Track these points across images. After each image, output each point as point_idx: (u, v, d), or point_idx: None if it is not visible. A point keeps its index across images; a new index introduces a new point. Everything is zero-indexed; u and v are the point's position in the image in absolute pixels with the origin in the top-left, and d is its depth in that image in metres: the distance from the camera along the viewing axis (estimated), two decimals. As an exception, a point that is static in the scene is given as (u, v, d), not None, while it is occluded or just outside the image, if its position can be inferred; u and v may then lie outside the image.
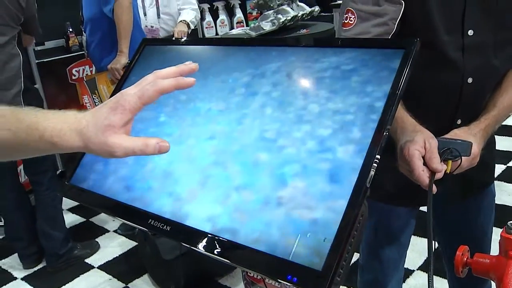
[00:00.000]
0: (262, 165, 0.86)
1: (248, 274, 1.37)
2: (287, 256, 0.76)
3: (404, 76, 0.85)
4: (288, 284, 0.77)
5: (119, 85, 1.25)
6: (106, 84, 2.76)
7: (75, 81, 3.75)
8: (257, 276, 1.35)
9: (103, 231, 3.07)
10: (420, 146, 1.00)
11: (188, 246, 0.89)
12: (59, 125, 0.65)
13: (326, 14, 3.93)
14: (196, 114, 1.00)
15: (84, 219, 3.24)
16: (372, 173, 0.78)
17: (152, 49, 1.32)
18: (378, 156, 0.78)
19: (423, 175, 0.97)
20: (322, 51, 0.96)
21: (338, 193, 0.78)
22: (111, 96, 1.26)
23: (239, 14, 4.73)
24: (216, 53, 1.20)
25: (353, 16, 1.14)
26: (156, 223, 0.93)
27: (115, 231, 3.04)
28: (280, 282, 1.30)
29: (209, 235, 0.85)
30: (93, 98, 2.74)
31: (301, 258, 0.75)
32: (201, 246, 0.86)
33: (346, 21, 1.15)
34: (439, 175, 0.98)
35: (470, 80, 1.15)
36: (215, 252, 0.85)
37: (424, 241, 0.89)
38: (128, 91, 0.68)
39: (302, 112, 0.89)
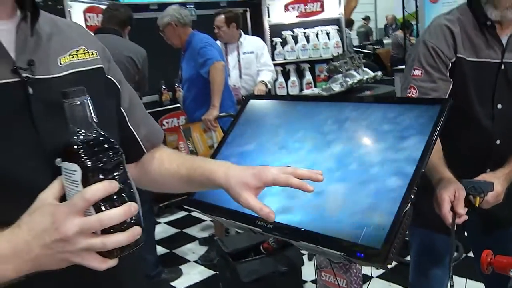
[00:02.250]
0: (341, 182, 1.26)
1: (322, 277, 1.73)
2: (357, 240, 1.14)
3: (440, 124, 1.24)
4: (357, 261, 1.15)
5: (227, 133, 1.68)
6: (199, 133, 3.27)
7: (165, 131, 4.31)
8: (334, 280, 1.70)
9: (185, 261, 3.49)
10: (451, 194, 1.34)
11: (289, 240, 1.29)
12: (216, 168, 0.98)
13: (388, 78, 4.34)
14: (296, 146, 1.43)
15: (168, 250, 3.69)
16: (412, 196, 1.16)
17: (255, 104, 1.78)
18: (416, 188, 1.16)
19: (448, 215, 1.31)
20: (380, 106, 1.37)
21: (393, 202, 1.16)
22: (219, 143, 1.69)
23: (308, 76, 5.22)
24: (304, 107, 1.63)
25: (415, 91, 1.55)
26: (262, 223, 1.34)
27: (195, 261, 3.45)
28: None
29: (303, 230, 1.24)
30: (187, 145, 3.25)
31: (366, 241, 1.13)
32: (299, 239, 1.26)
33: (409, 95, 1.56)
34: (459, 220, 1.32)
35: (498, 141, 1.52)
36: (309, 241, 1.24)
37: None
38: (271, 170, 0.92)
39: (365, 148, 1.29)
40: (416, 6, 5.37)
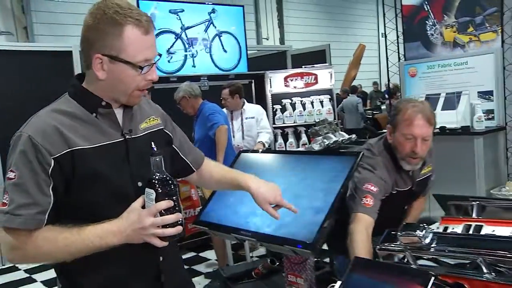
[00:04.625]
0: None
1: (288, 279, 2.41)
2: (298, 237, 1.86)
3: (354, 167, 1.97)
4: (298, 251, 1.85)
5: None
6: (206, 181, 4.02)
7: (179, 182, 5.06)
8: (296, 279, 2.38)
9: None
10: None
11: (252, 239, 2.00)
12: (247, 179, 1.66)
13: (362, 140, 5.10)
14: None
15: None
16: (332, 213, 1.87)
17: (244, 156, 2.54)
18: (336, 205, 1.89)
19: None
20: (320, 156, 2.13)
21: (321, 216, 1.88)
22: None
23: (304, 138, 5.99)
24: (280, 158, 2.39)
25: (372, 200, 2.09)
26: (243, 232, 2.06)
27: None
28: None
29: (267, 234, 1.96)
30: (198, 191, 3.98)
31: (304, 238, 1.84)
32: (264, 241, 1.97)
33: (367, 202, 2.08)
34: None
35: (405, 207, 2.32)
36: (270, 241, 1.95)
37: None
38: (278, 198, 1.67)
39: (308, 184, 2.03)
40: (400, 79, 6.23)
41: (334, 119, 5.94)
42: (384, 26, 6.48)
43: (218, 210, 2.24)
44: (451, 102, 5.46)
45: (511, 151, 5.47)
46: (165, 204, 1.25)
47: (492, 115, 5.46)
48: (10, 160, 1.28)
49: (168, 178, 1.29)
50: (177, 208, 1.29)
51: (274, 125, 5.92)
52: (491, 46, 5.55)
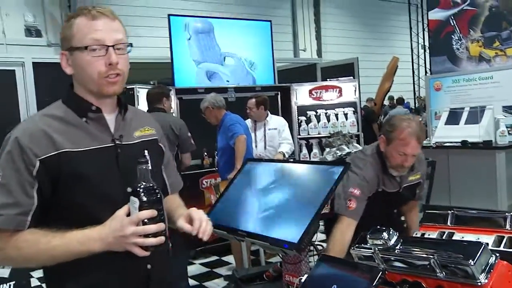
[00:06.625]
0: (283, 208, 2.19)
1: (286, 278, 2.60)
2: (287, 239, 2.05)
3: (341, 176, 2.16)
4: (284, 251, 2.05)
5: (229, 185, 2.65)
6: (225, 188, 4.26)
7: (203, 189, 5.32)
8: (292, 279, 2.56)
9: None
10: None
11: (250, 240, 2.21)
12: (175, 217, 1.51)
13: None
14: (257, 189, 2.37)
15: (199, 283, 4.56)
16: (317, 218, 2.06)
17: (251, 164, 2.76)
18: (322, 210, 2.08)
19: None
20: (316, 166, 2.32)
21: (307, 219, 2.07)
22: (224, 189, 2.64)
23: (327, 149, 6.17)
24: (280, 167, 2.59)
25: (354, 203, 2.31)
26: (241, 233, 2.27)
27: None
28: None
29: (259, 234, 2.16)
30: (216, 196, 4.22)
31: (290, 239, 2.04)
32: (257, 239, 2.18)
33: (350, 205, 2.33)
34: None
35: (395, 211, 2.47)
36: (261, 240, 2.16)
37: None
38: (193, 213, 1.46)
39: (299, 191, 2.23)
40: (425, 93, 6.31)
41: (358, 131, 6.07)
42: (411, 40, 6.59)
43: (221, 214, 2.46)
44: (475, 116, 5.50)
45: (535, 166, 5.45)
46: (148, 213, 1.23)
47: (517, 130, 5.47)
48: None
49: (153, 187, 1.27)
50: (161, 218, 1.27)
51: (299, 136, 6.11)
52: (517, 61, 5.58)
